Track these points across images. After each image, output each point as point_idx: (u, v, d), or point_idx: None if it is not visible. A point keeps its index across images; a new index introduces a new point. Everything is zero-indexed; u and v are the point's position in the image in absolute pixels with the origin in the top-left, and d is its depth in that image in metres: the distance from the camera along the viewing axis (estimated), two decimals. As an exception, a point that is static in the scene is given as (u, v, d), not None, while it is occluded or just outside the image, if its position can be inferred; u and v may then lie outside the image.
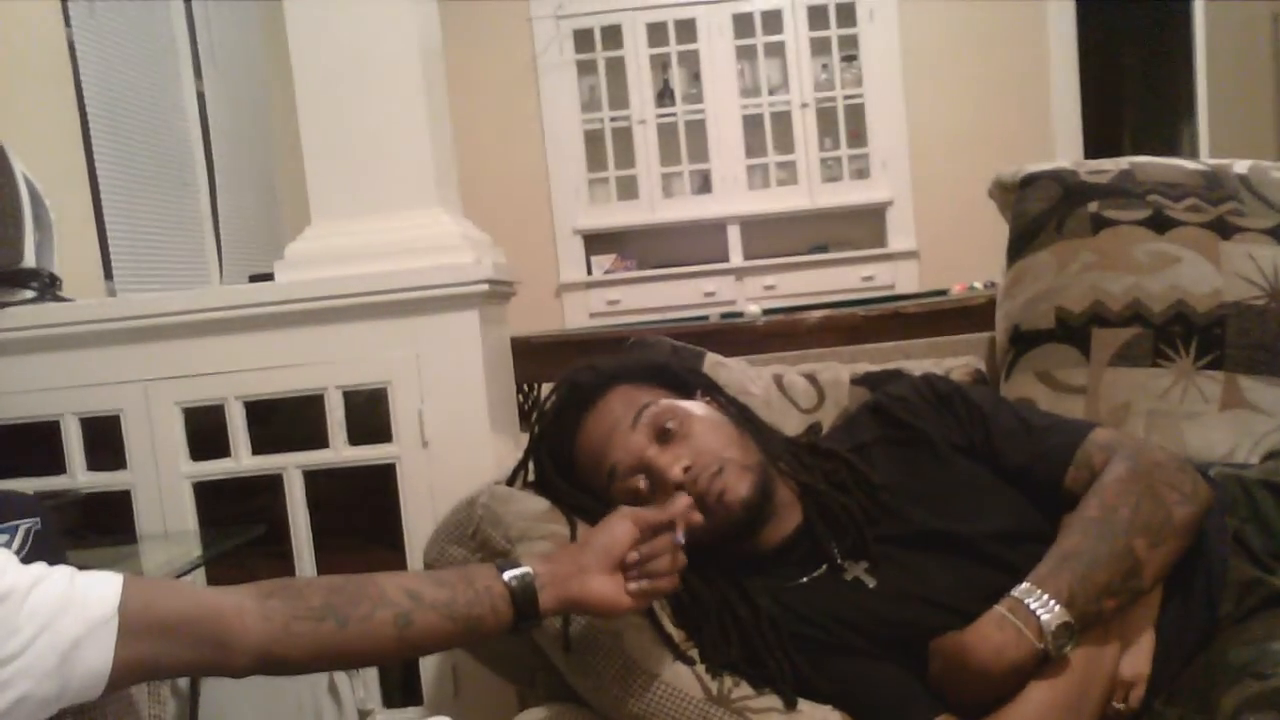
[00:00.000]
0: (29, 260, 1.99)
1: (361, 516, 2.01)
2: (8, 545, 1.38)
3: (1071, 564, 1.16)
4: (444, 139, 2.04)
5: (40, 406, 1.95)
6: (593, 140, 5.99)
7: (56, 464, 1.96)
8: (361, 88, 1.94)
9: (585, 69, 5.97)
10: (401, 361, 1.90)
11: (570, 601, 1.12)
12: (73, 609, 0.89)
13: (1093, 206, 1.70)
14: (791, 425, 1.63)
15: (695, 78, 5.94)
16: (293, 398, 1.95)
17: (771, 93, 5.93)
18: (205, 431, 1.96)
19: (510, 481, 1.47)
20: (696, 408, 1.36)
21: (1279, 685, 1.06)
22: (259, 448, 1.97)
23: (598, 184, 6.04)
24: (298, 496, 1.96)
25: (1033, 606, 1.13)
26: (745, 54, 5.90)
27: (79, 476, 1.97)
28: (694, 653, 1.26)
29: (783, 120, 5.89)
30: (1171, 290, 1.63)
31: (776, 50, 5.89)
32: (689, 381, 1.46)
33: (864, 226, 5.98)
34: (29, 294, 1.99)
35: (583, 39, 5.91)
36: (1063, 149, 5.68)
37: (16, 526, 1.41)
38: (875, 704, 1.21)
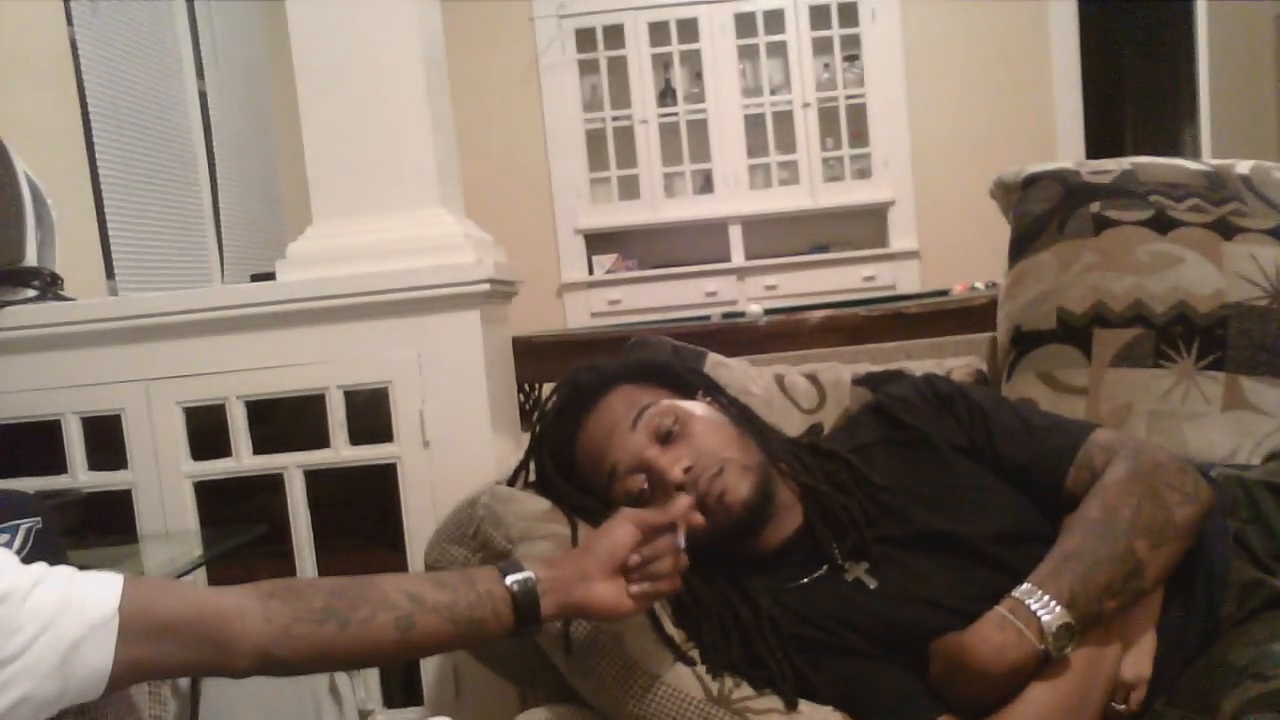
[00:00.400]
0: (31, 259, 1.99)
1: (362, 516, 2.01)
2: (9, 545, 1.38)
3: (1072, 565, 1.16)
4: (446, 138, 2.04)
5: (41, 406, 1.95)
6: (594, 140, 5.99)
7: (57, 463, 1.96)
8: (363, 87, 1.94)
9: (587, 68, 5.97)
10: (403, 361, 1.90)
11: (572, 607, 1.12)
12: (73, 609, 0.89)
13: (1095, 207, 1.70)
14: (793, 426, 1.63)
15: (697, 77, 5.93)
16: (294, 397, 1.95)
17: (773, 92, 5.93)
18: (206, 431, 1.96)
19: (511, 482, 1.47)
20: (697, 408, 1.36)
21: (1280, 687, 1.06)
22: (260, 447, 1.97)
23: (599, 183, 6.04)
24: (299, 496, 1.96)
25: (1033, 607, 1.13)
26: (747, 53, 5.90)
27: (80, 476, 1.97)
28: (695, 653, 1.26)
29: (784, 120, 5.89)
30: (1173, 291, 1.62)
31: (778, 50, 5.88)
32: (690, 382, 1.46)
33: (865, 226, 5.98)
34: (30, 293, 1.99)
35: (585, 38, 5.91)
36: (1064, 149, 5.68)
37: (17, 526, 1.41)
38: (876, 705, 1.21)
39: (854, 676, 1.23)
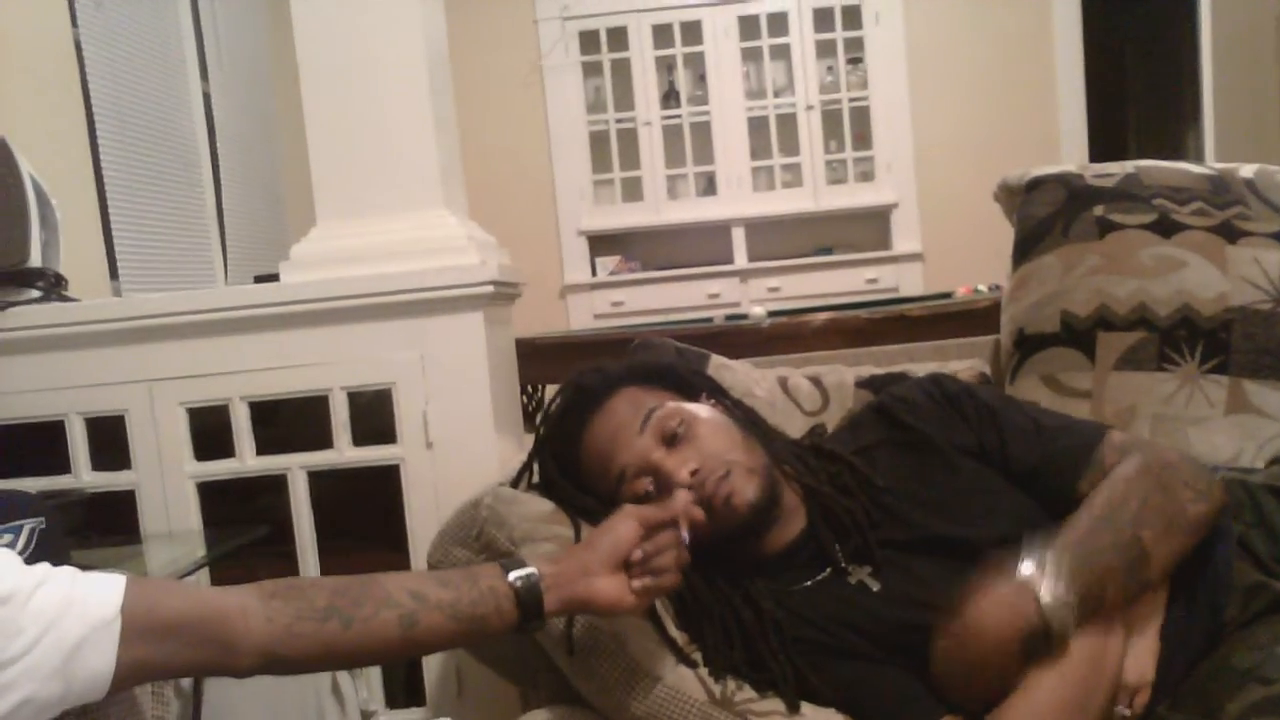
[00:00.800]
0: (35, 260, 1.99)
1: (365, 517, 2.01)
2: (12, 545, 1.38)
3: (1075, 549, 1.16)
4: (450, 140, 2.04)
5: (45, 406, 1.95)
6: (598, 142, 5.99)
7: (61, 464, 1.96)
8: (367, 89, 1.94)
9: (591, 70, 5.97)
10: (406, 363, 1.90)
11: (576, 602, 1.12)
12: (75, 611, 0.89)
13: (1098, 210, 1.70)
14: (796, 428, 1.63)
15: (700, 79, 5.94)
16: (297, 398, 1.95)
17: (777, 95, 5.93)
18: (210, 432, 1.96)
19: (515, 483, 1.46)
20: (702, 410, 1.36)
21: (1284, 691, 1.05)
22: (263, 448, 1.97)
23: (603, 185, 6.04)
24: (302, 497, 1.96)
25: (1034, 587, 1.12)
26: (751, 56, 5.90)
27: (83, 476, 1.97)
28: (697, 656, 1.26)
29: (788, 122, 5.89)
30: (1177, 294, 1.62)
31: (782, 52, 5.89)
32: (694, 384, 1.46)
33: (868, 229, 5.98)
34: (34, 293, 2.00)
35: (588, 40, 5.92)
36: (1068, 152, 5.68)
37: (21, 526, 1.41)
38: (878, 707, 1.21)
39: (856, 679, 1.23)
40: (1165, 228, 1.66)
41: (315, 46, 1.95)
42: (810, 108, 5.85)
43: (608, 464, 1.33)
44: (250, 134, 4.70)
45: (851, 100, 5.88)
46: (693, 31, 5.85)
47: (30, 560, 0.92)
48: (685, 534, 1.16)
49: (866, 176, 5.94)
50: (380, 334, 1.90)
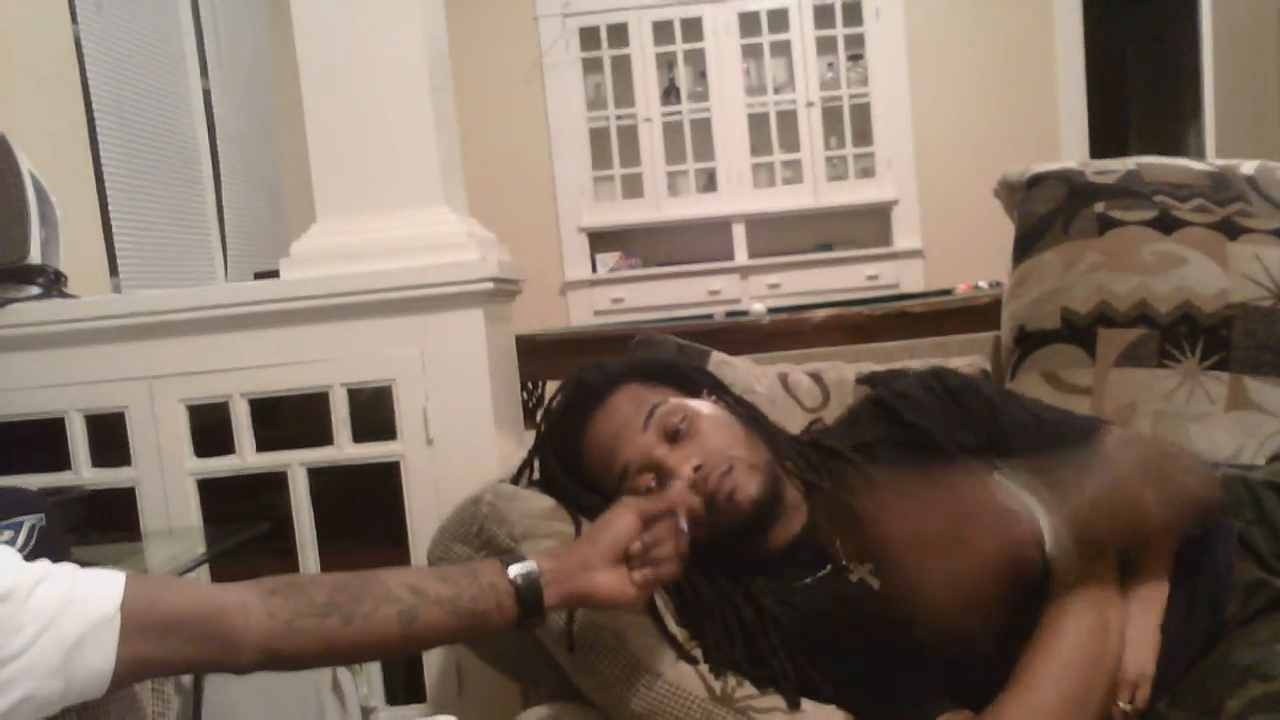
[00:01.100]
0: (35, 257, 1.99)
1: (366, 514, 2.01)
2: (12, 542, 1.38)
3: (1072, 491, 1.16)
4: (450, 137, 2.04)
5: (45, 403, 1.95)
6: (598, 138, 5.99)
7: (61, 460, 1.96)
8: (367, 85, 1.94)
9: (591, 67, 5.97)
10: (406, 359, 1.90)
11: (576, 597, 1.12)
12: (75, 608, 0.89)
13: (1099, 207, 1.70)
14: (796, 425, 1.63)
15: (701, 76, 5.93)
16: (297, 395, 1.95)
17: (777, 91, 5.93)
18: (210, 428, 1.96)
19: (515, 480, 1.46)
20: (705, 407, 1.36)
21: (1285, 688, 1.05)
22: (263, 445, 1.97)
23: (603, 182, 6.04)
24: (302, 494, 1.96)
25: (1028, 513, 1.13)
26: (751, 52, 5.90)
27: (84, 473, 1.97)
28: (698, 652, 1.26)
29: (788, 119, 5.89)
30: (1178, 291, 1.62)
31: (782, 49, 5.88)
32: (696, 380, 1.45)
33: (869, 225, 5.98)
34: (34, 290, 1.99)
35: (588, 37, 5.91)
36: (1068, 148, 5.68)
37: (21, 523, 1.41)
38: (878, 705, 1.21)
39: (856, 677, 1.23)
40: (1166, 224, 1.66)
41: (315, 43, 1.95)
42: (811, 104, 5.85)
43: (610, 460, 1.33)
44: (250, 131, 4.70)
45: (852, 97, 5.88)
46: (693, 28, 5.85)
47: (30, 557, 0.92)
48: (684, 524, 1.16)
49: (867, 173, 5.94)
50: (380, 331, 1.90)
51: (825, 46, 5.86)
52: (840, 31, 5.82)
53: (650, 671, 1.23)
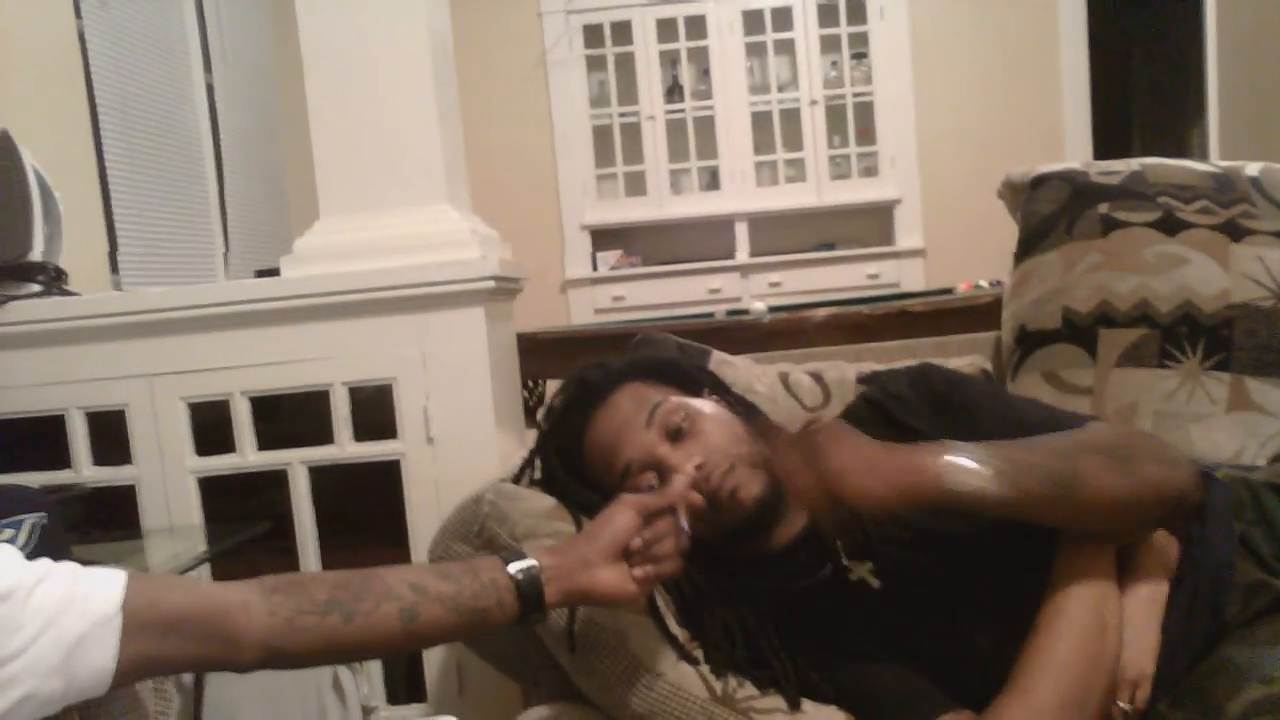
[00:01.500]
0: (38, 252, 2.00)
1: (366, 513, 2.02)
2: (13, 540, 1.38)
3: (1005, 447, 1.15)
4: (453, 134, 2.04)
5: (46, 401, 1.96)
6: (601, 136, 5.99)
7: (62, 458, 1.96)
8: (371, 83, 1.94)
9: (594, 64, 5.97)
10: (407, 358, 1.90)
11: (577, 593, 1.12)
12: (76, 606, 0.89)
13: (1103, 208, 1.70)
14: (797, 424, 1.62)
15: (704, 74, 5.93)
16: (298, 393, 1.95)
17: (781, 90, 5.92)
18: (211, 426, 1.96)
19: (516, 479, 1.46)
20: (706, 406, 1.36)
21: (1285, 690, 1.05)
22: (264, 443, 1.97)
23: (606, 180, 6.04)
24: (303, 492, 1.96)
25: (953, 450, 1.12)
26: (755, 51, 5.90)
27: (84, 471, 1.97)
28: (699, 653, 1.26)
29: (791, 117, 5.89)
30: (1179, 291, 1.62)
31: (786, 47, 5.88)
32: (697, 379, 1.45)
33: (871, 224, 5.98)
34: (35, 287, 2.00)
35: (592, 34, 5.91)
36: (1072, 149, 5.67)
37: (22, 521, 1.41)
38: (879, 704, 1.21)
39: (857, 677, 1.23)
40: (1170, 226, 1.66)
41: (319, 40, 1.94)
42: (814, 103, 5.85)
43: (612, 459, 1.33)
44: (253, 127, 4.70)
45: (855, 95, 5.87)
46: (697, 26, 5.85)
47: (31, 556, 0.93)
48: (684, 521, 1.16)
49: (870, 172, 5.93)
50: (382, 329, 1.90)
51: (829, 45, 5.86)
52: (844, 30, 5.81)
53: (651, 672, 1.23)
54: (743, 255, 5.86)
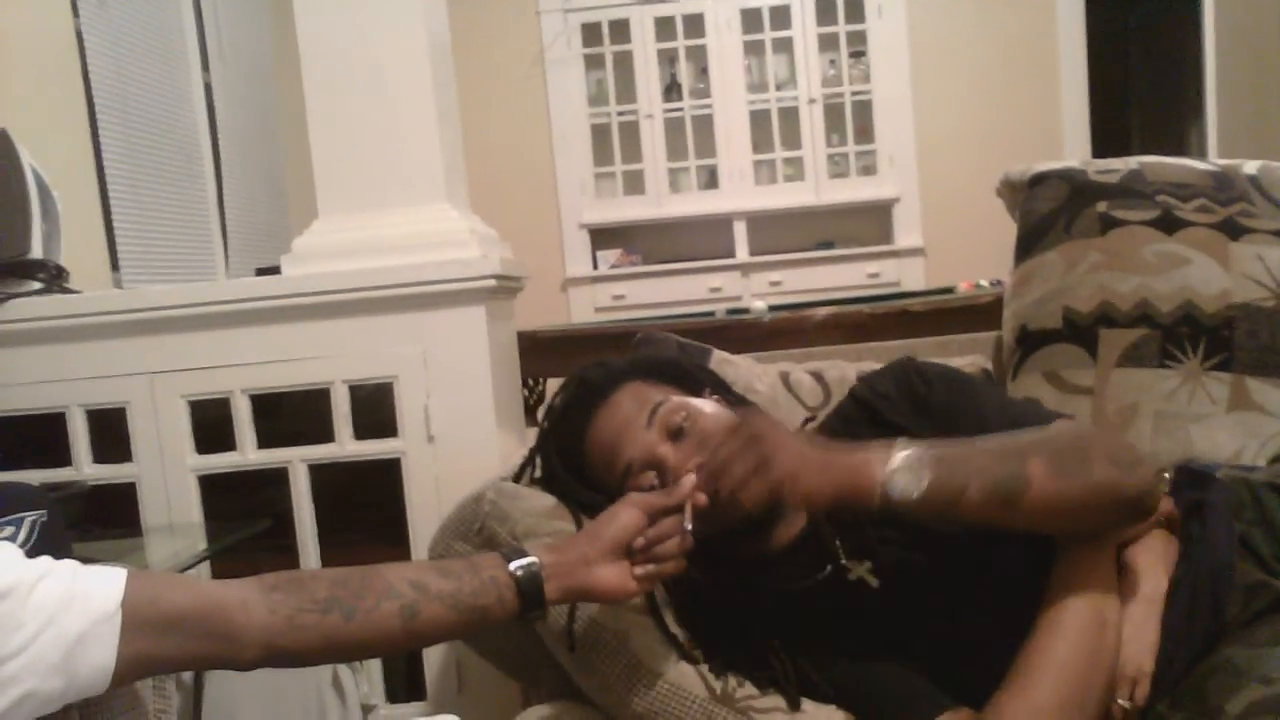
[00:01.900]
0: (36, 251, 1.99)
1: (367, 511, 2.01)
2: (13, 538, 1.38)
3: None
4: (452, 133, 2.04)
5: (46, 398, 1.95)
6: (599, 134, 5.99)
7: (62, 456, 1.96)
8: (369, 81, 1.94)
9: (593, 63, 5.96)
10: (408, 356, 1.90)
11: (577, 591, 1.13)
12: (77, 605, 0.89)
13: (1101, 206, 1.70)
14: (798, 424, 1.63)
15: (703, 73, 5.93)
16: (299, 391, 1.95)
17: (779, 88, 5.92)
18: (211, 424, 1.96)
19: (517, 478, 1.46)
20: (707, 405, 1.36)
21: (1285, 690, 1.05)
22: (265, 441, 1.97)
23: (604, 178, 6.04)
24: (303, 490, 1.96)
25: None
26: (753, 49, 5.90)
27: (84, 469, 1.97)
28: (698, 653, 1.26)
29: (790, 116, 5.89)
30: (1180, 291, 1.62)
31: (784, 46, 5.88)
32: (698, 379, 1.45)
33: (870, 223, 5.97)
34: (35, 285, 2.00)
35: (590, 33, 5.91)
36: (1071, 147, 5.67)
37: (22, 519, 1.41)
38: (879, 704, 1.21)
39: (856, 676, 1.23)
40: (1168, 224, 1.66)
41: (318, 39, 1.94)
42: (812, 101, 5.85)
43: (612, 458, 1.33)
44: (252, 126, 4.70)
45: (854, 94, 5.87)
46: (695, 24, 5.84)
47: (32, 553, 0.93)
48: (689, 521, 1.15)
49: (868, 171, 5.93)
50: (382, 328, 1.90)
51: (827, 43, 5.85)
52: (842, 28, 5.81)
53: (651, 671, 1.23)
54: (743, 254, 5.86)
